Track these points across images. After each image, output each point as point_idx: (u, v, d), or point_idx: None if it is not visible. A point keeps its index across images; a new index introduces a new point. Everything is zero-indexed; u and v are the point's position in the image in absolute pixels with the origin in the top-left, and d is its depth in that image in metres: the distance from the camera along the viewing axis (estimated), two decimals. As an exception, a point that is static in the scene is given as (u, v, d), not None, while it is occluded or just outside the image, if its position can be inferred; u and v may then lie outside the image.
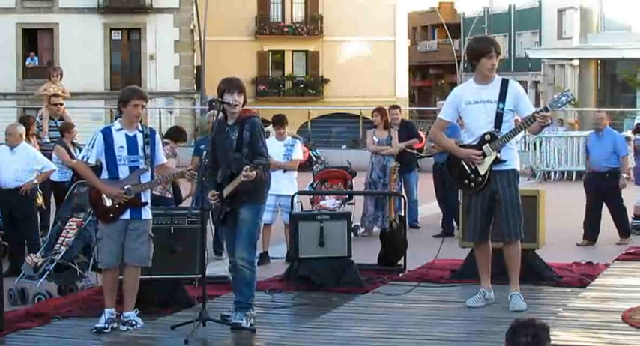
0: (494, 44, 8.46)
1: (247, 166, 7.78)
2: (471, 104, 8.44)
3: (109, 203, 8.15)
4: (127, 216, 8.15)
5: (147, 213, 8.25)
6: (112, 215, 8.15)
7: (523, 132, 8.64)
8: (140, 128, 8.25)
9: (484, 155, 8.35)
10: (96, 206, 8.32)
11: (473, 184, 8.46)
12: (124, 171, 8.14)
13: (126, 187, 8.09)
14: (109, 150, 8.13)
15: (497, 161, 8.35)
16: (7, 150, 11.63)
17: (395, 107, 15.96)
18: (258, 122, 8.20)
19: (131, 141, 8.16)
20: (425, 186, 15.45)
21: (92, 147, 8.19)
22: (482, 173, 8.39)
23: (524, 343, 4.55)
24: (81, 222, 9.80)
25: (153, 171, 8.24)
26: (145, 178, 8.19)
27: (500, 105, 8.33)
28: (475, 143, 8.43)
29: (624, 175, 13.51)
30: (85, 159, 8.25)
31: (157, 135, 8.41)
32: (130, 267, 8.19)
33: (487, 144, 8.35)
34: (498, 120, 8.34)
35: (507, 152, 8.41)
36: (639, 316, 7.72)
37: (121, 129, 8.21)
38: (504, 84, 8.41)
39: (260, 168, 7.83)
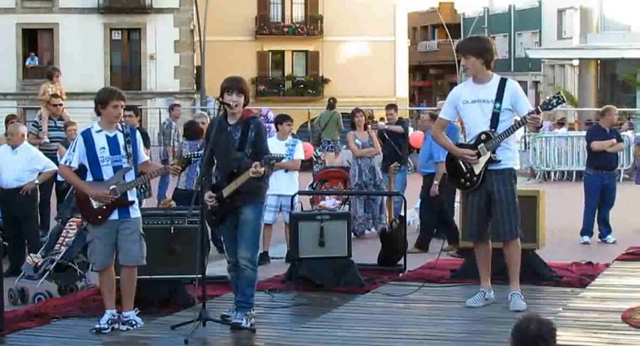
0: (466, 43, 8.53)
1: (257, 163, 7.78)
2: (468, 103, 8.46)
3: (96, 205, 8.13)
4: (115, 216, 8.13)
5: (135, 212, 8.23)
6: (100, 216, 8.14)
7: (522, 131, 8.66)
8: (120, 128, 8.25)
9: (479, 154, 8.39)
10: (83, 209, 8.31)
11: (469, 183, 8.50)
12: (107, 172, 8.13)
13: (111, 187, 8.08)
14: (91, 152, 8.12)
15: (491, 161, 8.38)
16: (8, 150, 11.64)
17: (391, 106, 15.86)
18: (263, 123, 8.22)
19: (112, 142, 8.15)
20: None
21: (73, 151, 8.17)
22: (477, 172, 8.43)
23: (533, 334, 4.56)
24: (81, 222, 9.79)
25: (137, 170, 8.25)
26: (130, 177, 8.18)
27: (497, 105, 8.35)
28: (472, 142, 8.46)
29: (435, 182, 12.81)
30: (67, 164, 8.20)
31: (138, 134, 8.40)
32: (126, 268, 8.18)
33: (482, 144, 8.38)
34: (495, 120, 8.35)
35: (503, 152, 8.43)
36: (639, 316, 7.72)
37: (100, 131, 8.19)
38: (502, 83, 8.43)
39: (270, 164, 7.86)
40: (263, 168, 7.79)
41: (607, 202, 13.81)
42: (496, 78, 8.48)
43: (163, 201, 13.05)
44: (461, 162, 8.50)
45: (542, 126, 8.62)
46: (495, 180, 8.39)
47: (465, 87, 8.65)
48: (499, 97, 8.36)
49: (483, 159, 8.38)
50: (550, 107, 8.59)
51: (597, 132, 13.88)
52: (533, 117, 8.20)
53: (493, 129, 8.35)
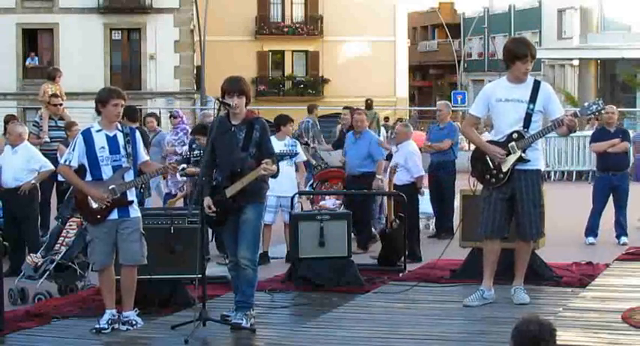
0: (530, 48, 8.56)
1: (268, 160, 7.81)
2: (501, 102, 8.53)
3: (95, 205, 8.13)
4: (115, 216, 8.13)
5: (135, 211, 8.23)
6: (99, 216, 8.14)
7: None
8: (119, 127, 8.25)
9: (509, 153, 8.43)
10: (82, 208, 8.30)
11: (494, 180, 8.55)
12: (107, 172, 8.13)
13: (110, 187, 8.08)
14: (91, 151, 8.11)
15: (521, 160, 8.44)
16: (9, 150, 11.66)
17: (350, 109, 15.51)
18: (266, 123, 8.24)
19: (112, 141, 8.16)
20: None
21: (73, 150, 8.17)
22: (504, 170, 8.49)
23: (533, 335, 4.57)
24: (81, 221, 9.79)
25: (136, 169, 8.25)
26: (129, 177, 8.18)
27: (531, 106, 8.45)
28: (502, 140, 8.52)
29: (378, 176, 12.96)
30: (67, 163, 8.19)
31: (137, 133, 8.41)
32: (126, 267, 8.18)
33: (513, 143, 8.45)
34: (527, 120, 8.44)
35: (533, 152, 8.52)
36: (639, 316, 7.72)
37: (100, 130, 8.20)
38: (536, 85, 8.52)
39: (283, 161, 7.89)
40: (275, 166, 7.84)
41: (618, 204, 13.46)
42: (531, 79, 8.57)
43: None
44: (488, 158, 8.57)
45: (576, 130, 8.69)
46: (524, 180, 8.47)
47: (499, 86, 8.70)
48: (533, 98, 8.44)
49: (513, 158, 8.45)
50: (588, 113, 8.70)
51: (600, 133, 13.60)
52: (571, 119, 8.31)
53: (525, 129, 8.42)
